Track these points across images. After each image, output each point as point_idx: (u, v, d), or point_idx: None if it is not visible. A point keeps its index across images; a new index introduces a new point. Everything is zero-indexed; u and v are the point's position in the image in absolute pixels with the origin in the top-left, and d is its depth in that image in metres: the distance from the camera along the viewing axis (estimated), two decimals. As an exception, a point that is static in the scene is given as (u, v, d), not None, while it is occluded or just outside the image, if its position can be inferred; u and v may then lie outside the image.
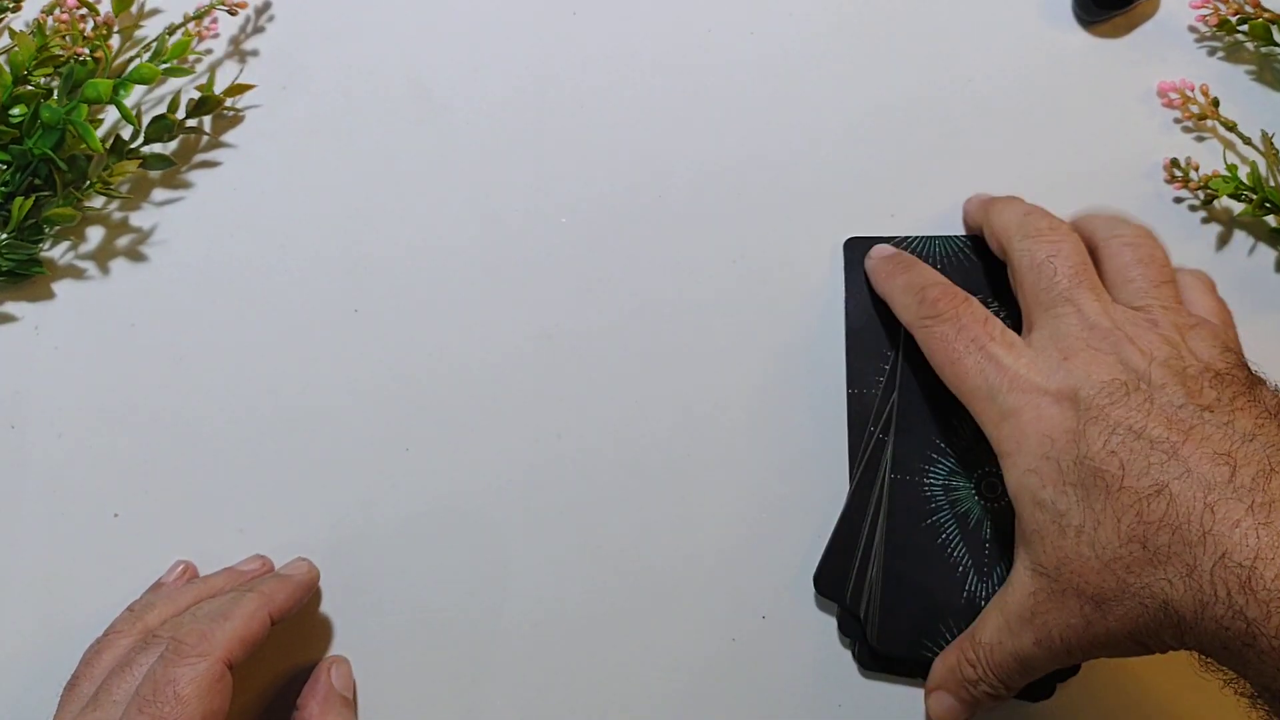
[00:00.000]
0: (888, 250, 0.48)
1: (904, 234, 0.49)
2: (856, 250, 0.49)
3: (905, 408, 0.46)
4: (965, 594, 0.45)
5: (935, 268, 0.46)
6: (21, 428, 0.49)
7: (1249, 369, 0.40)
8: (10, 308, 0.50)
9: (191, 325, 0.50)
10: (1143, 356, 0.39)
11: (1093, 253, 0.44)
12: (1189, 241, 0.51)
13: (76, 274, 0.50)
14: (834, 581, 0.46)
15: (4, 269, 0.48)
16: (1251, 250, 0.52)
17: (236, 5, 0.50)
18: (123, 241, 0.50)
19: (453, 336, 0.50)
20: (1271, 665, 0.33)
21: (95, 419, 0.49)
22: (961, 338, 0.42)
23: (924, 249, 0.48)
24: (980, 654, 0.41)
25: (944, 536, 0.45)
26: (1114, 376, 0.38)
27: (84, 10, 0.48)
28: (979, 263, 0.48)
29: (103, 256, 0.50)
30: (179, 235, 0.50)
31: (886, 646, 0.45)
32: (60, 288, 0.50)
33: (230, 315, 0.50)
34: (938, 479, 0.45)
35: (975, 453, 0.45)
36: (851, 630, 0.47)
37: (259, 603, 0.42)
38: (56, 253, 0.50)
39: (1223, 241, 0.52)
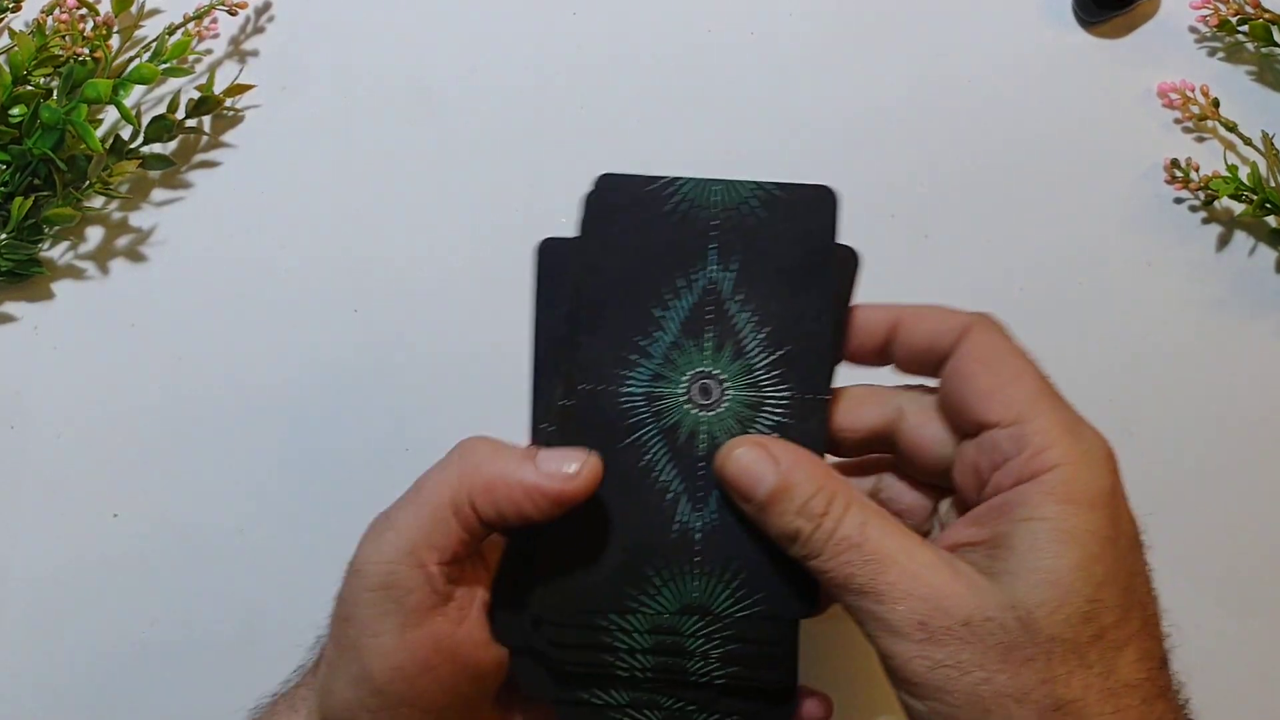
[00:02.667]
0: None
1: (671, 175, 0.38)
2: (612, 192, 0.38)
3: (593, 298, 0.36)
4: (676, 526, 0.35)
5: (713, 221, 0.36)
6: (21, 428, 0.49)
7: None
8: (10, 308, 0.50)
9: (191, 325, 0.50)
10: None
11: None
12: (1189, 242, 0.51)
13: (76, 274, 0.50)
14: (511, 607, 0.36)
15: (3, 269, 0.48)
16: (1252, 251, 0.52)
17: (236, 6, 0.50)
18: (122, 241, 0.50)
19: (453, 336, 0.50)
20: None
21: (94, 419, 0.49)
22: (1029, 357, 0.36)
23: (698, 195, 0.36)
24: (840, 548, 0.33)
25: (649, 457, 0.36)
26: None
27: (84, 10, 0.48)
28: (770, 222, 0.36)
29: (102, 256, 0.50)
30: (178, 235, 0.50)
31: (555, 616, 0.35)
32: (60, 288, 0.50)
33: (230, 315, 0.50)
34: (638, 386, 0.36)
35: (684, 351, 0.36)
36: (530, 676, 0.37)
37: None
38: (56, 253, 0.50)
39: (1223, 242, 0.52)
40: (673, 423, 0.36)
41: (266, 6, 0.52)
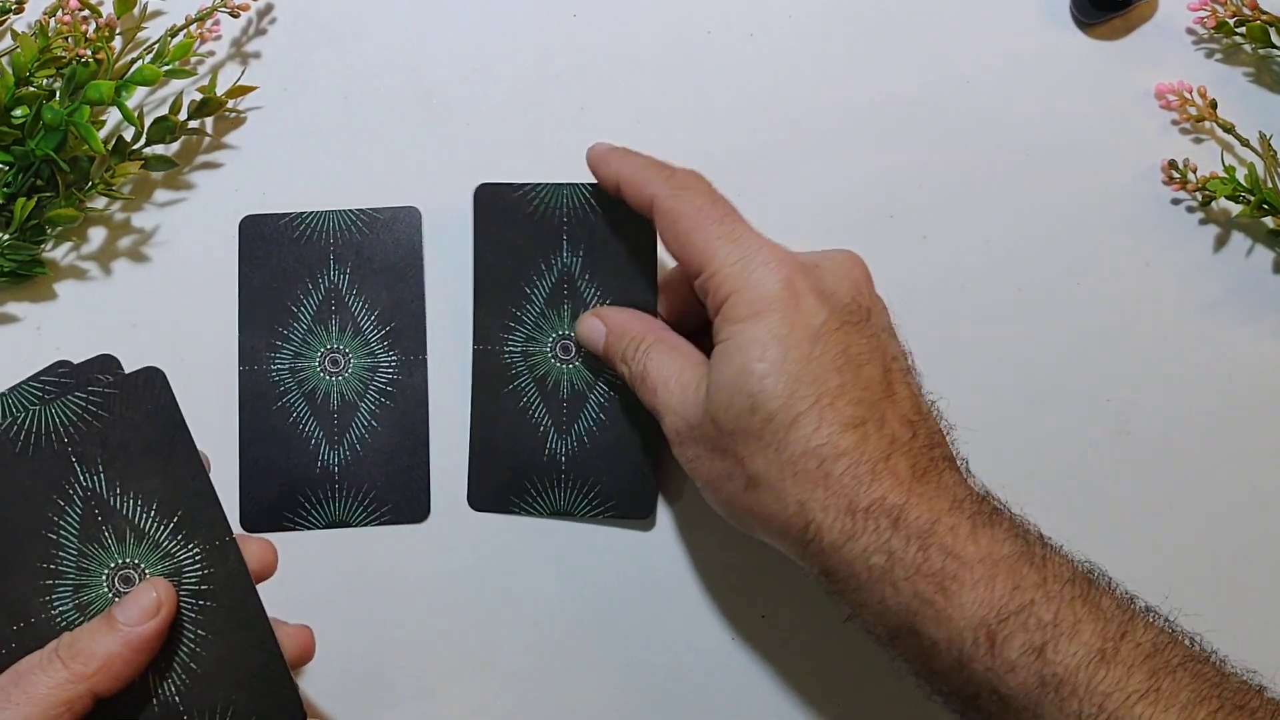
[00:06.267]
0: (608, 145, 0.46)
1: (298, 210, 0.50)
2: (490, 198, 0.48)
3: (482, 280, 0.48)
4: (547, 453, 0.48)
5: (564, 219, 0.47)
6: (23, 428, 0.49)
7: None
8: (12, 308, 0.50)
9: (193, 326, 0.50)
10: (873, 295, 0.42)
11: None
12: (1187, 243, 0.52)
13: (79, 275, 0.50)
14: (491, 494, 0.49)
15: (6, 270, 0.48)
16: (1249, 251, 0.52)
17: (239, 7, 0.50)
18: (125, 242, 0.50)
19: (450, 343, 0.50)
20: (907, 591, 0.37)
21: (97, 419, 0.49)
22: (716, 211, 0.42)
23: (552, 199, 0.48)
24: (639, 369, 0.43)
25: (525, 400, 0.48)
26: (856, 297, 0.41)
27: (86, 12, 0.49)
28: (372, 236, 0.49)
29: (105, 257, 0.50)
30: (181, 236, 0.51)
31: (480, 507, 0.49)
32: (62, 288, 0.50)
33: (233, 316, 0.50)
34: (515, 346, 0.48)
35: (548, 318, 0.48)
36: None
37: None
38: (59, 253, 0.50)
39: (1220, 243, 0.52)
40: (542, 374, 0.48)
41: (269, 9, 0.52)
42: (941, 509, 0.37)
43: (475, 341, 0.49)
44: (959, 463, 0.40)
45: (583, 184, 0.47)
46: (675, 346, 0.43)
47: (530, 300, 0.48)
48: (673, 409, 0.42)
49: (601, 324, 0.45)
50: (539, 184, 0.48)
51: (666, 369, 0.42)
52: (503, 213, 0.48)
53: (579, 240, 0.47)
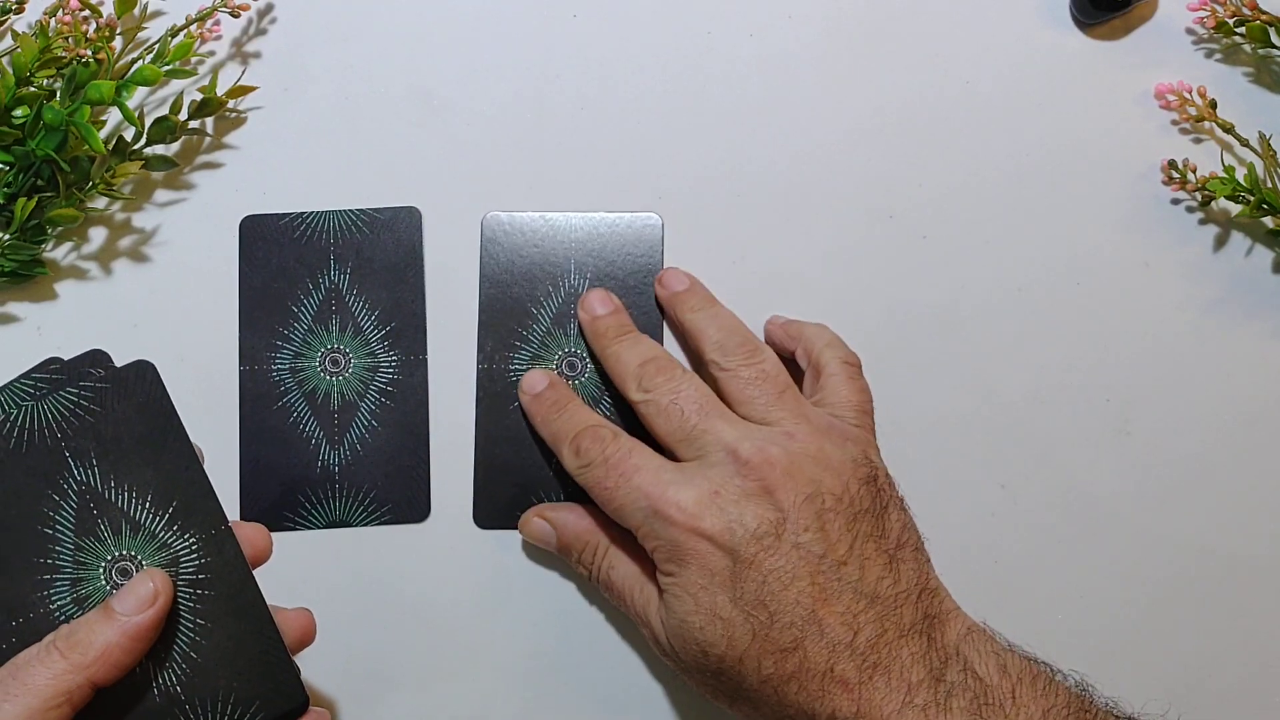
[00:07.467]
0: (538, 385, 0.48)
1: (298, 210, 0.50)
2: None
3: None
4: (553, 468, 0.48)
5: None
6: (24, 428, 0.49)
7: (878, 485, 0.43)
8: (13, 308, 0.50)
9: (194, 326, 0.50)
10: (787, 492, 0.41)
11: (714, 381, 0.46)
12: (1186, 243, 0.52)
13: (79, 275, 0.50)
14: (496, 511, 0.49)
15: (7, 270, 0.48)
16: (1249, 251, 0.52)
17: (239, 7, 0.50)
18: (125, 242, 0.51)
19: (450, 343, 0.50)
20: None
21: (98, 419, 0.49)
22: (610, 475, 0.43)
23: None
24: (605, 580, 0.45)
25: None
26: (762, 518, 0.41)
27: (86, 12, 0.49)
28: (372, 237, 0.50)
29: (105, 257, 0.50)
30: (181, 236, 0.51)
31: (487, 525, 0.49)
32: (63, 288, 0.50)
33: (233, 316, 0.50)
34: (520, 364, 0.49)
35: (554, 336, 0.49)
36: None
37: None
38: (59, 253, 0.50)
39: (1220, 243, 0.52)
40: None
41: (269, 9, 0.52)
42: (892, 709, 0.39)
43: (479, 361, 0.49)
44: (928, 612, 0.41)
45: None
46: (626, 548, 0.45)
47: (537, 320, 0.49)
48: (643, 622, 0.44)
49: (549, 526, 0.47)
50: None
51: (628, 579, 0.45)
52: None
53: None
